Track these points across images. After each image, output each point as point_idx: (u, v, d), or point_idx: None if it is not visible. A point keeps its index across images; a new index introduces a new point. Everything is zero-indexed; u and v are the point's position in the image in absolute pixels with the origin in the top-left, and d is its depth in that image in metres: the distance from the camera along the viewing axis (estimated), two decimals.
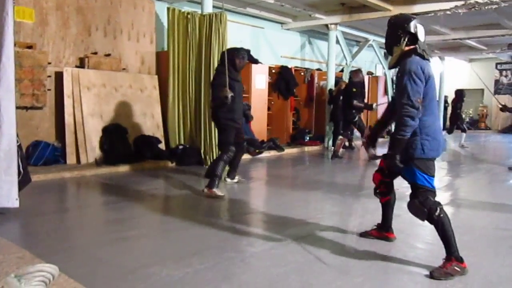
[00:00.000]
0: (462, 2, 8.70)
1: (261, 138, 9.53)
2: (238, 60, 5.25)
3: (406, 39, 3.01)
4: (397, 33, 3.04)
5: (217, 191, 5.07)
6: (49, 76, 6.77)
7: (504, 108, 8.54)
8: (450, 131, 11.75)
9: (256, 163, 8.23)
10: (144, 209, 4.78)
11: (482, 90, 18.68)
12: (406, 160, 2.99)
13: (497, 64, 19.43)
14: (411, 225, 4.16)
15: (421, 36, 3.03)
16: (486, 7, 8.81)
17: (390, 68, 3.29)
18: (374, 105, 9.28)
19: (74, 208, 4.87)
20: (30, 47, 6.48)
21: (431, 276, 2.87)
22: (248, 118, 8.34)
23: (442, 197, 5.38)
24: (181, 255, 3.19)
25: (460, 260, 2.89)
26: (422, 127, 2.94)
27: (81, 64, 7.25)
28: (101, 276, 2.80)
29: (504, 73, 19.35)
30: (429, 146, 2.95)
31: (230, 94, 4.91)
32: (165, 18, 7.96)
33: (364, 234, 3.70)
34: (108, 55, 7.53)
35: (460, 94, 11.64)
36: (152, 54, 8.22)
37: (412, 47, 3.01)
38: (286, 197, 5.39)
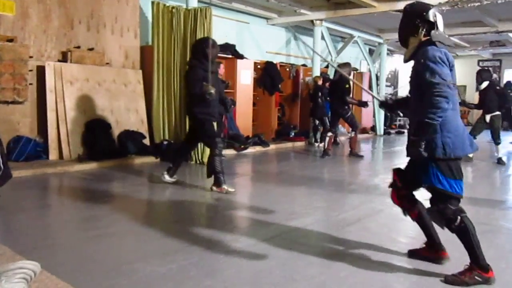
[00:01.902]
0: (446, 0, 8.79)
1: (246, 133, 9.52)
2: (209, 50, 4.95)
3: (424, 29, 2.76)
4: (414, 22, 2.77)
5: (227, 187, 5.09)
6: (31, 70, 6.65)
7: (462, 103, 8.59)
8: None
9: (241, 158, 8.23)
10: (128, 205, 4.74)
11: (465, 86, 18.96)
12: (424, 162, 2.72)
13: (479, 61, 19.72)
14: (393, 219, 4.22)
15: (441, 25, 2.77)
16: (469, 5, 8.92)
17: (405, 61, 2.92)
18: (368, 102, 9.21)
19: (56, 204, 4.81)
20: (10, 40, 6.35)
21: (445, 280, 2.73)
22: (227, 106, 8.05)
23: (424, 192, 5.45)
24: (165, 251, 3.18)
25: (485, 269, 2.69)
26: (442, 123, 2.62)
27: (64, 58, 7.13)
28: (84, 273, 2.78)
29: None
30: (451, 144, 2.65)
31: (213, 90, 4.79)
32: (150, 12, 7.87)
33: (412, 254, 3.18)
34: (92, 49, 7.43)
35: None
36: (136, 49, 8.13)
37: (427, 38, 2.75)
38: (271, 193, 5.40)
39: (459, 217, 2.69)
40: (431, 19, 2.75)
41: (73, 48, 7.19)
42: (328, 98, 10.24)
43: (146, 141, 7.66)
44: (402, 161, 8.19)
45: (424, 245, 3.14)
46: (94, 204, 4.64)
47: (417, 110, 2.70)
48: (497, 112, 8.01)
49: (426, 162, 2.72)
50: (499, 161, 8.06)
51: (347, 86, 8.33)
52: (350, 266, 2.98)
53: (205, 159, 7.07)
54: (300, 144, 10.70)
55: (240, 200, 5.24)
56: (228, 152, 8.44)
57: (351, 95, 9.24)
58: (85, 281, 2.66)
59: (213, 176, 5.16)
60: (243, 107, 9.65)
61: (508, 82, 11.53)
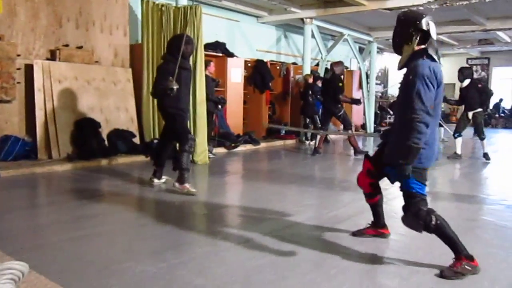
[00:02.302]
0: None
1: (236, 131, 9.52)
2: (184, 47, 4.85)
3: (418, 38, 2.82)
4: (408, 30, 2.83)
5: (189, 187, 4.93)
6: (19, 69, 6.58)
7: (443, 100, 8.80)
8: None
9: (231, 157, 8.22)
10: (117, 205, 4.71)
11: (454, 84, 19.10)
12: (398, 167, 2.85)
13: (468, 59, 19.90)
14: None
15: (433, 34, 2.83)
16: (458, 3, 9.00)
17: (399, 69, 3.01)
18: (360, 99, 9.20)
19: (45, 204, 4.77)
20: None
21: (441, 275, 2.80)
22: (220, 103, 8.01)
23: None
24: (155, 250, 3.17)
25: (470, 258, 2.81)
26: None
27: (52, 56, 7.06)
28: (74, 273, 2.76)
29: (474, 68, 19.82)
30: (425, 155, 2.81)
31: (175, 86, 4.66)
32: (139, 10, 7.82)
33: (357, 233, 3.54)
34: (80, 47, 7.37)
35: None
36: (125, 47, 8.08)
37: (423, 46, 2.82)
38: (261, 191, 5.41)
39: (433, 217, 2.82)
40: (424, 27, 2.79)
41: (62, 46, 7.12)
42: (318, 96, 10.29)
43: (136, 140, 7.62)
44: None
45: (368, 225, 3.55)
46: (84, 203, 4.61)
47: (402, 114, 2.82)
48: (479, 109, 8.15)
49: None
50: (485, 156, 8.16)
51: (340, 84, 8.29)
52: (341, 264, 3.00)
53: (196, 158, 7.08)
54: (291, 142, 10.73)
55: (231, 198, 5.24)
56: (219, 150, 8.44)
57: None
58: (75, 281, 2.64)
59: (177, 172, 5.02)
60: (233, 105, 9.65)
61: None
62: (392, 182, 3.08)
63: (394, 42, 2.98)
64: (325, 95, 8.61)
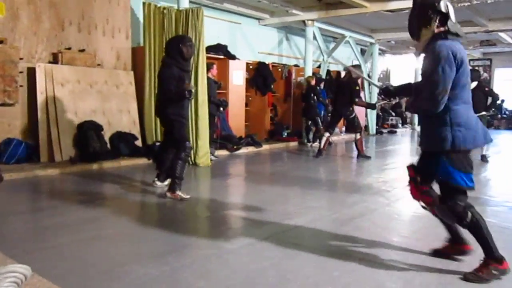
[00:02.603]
0: None
1: (239, 134, 9.52)
2: (185, 49, 4.74)
3: (437, 20, 2.71)
4: (427, 13, 2.72)
5: (181, 194, 4.80)
6: (21, 72, 6.60)
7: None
8: None
9: (234, 159, 8.22)
10: (120, 207, 4.72)
11: None
12: (435, 155, 2.75)
13: (470, 60, 19.85)
14: (386, 218, 4.24)
15: (453, 16, 2.73)
16: (459, 5, 8.98)
17: (418, 54, 2.91)
18: (377, 104, 9.04)
19: (48, 207, 4.77)
20: (1, 42, 6.30)
21: (465, 278, 2.74)
22: (221, 106, 7.99)
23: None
24: (158, 253, 3.17)
25: (499, 261, 2.73)
26: (453, 117, 2.68)
27: (55, 59, 7.08)
28: (76, 276, 2.76)
29: (476, 69, 19.77)
30: (461, 137, 2.67)
31: (194, 89, 4.64)
32: (141, 13, 7.84)
33: (437, 253, 3.16)
34: (83, 50, 7.39)
35: None
36: (127, 50, 8.10)
37: (442, 29, 2.71)
38: (264, 193, 5.40)
39: (469, 213, 2.71)
40: (443, 9, 2.71)
41: (64, 50, 7.14)
42: (321, 99, 10.29)
43: (138, 143, 7.63)
44: (395, 160, 8.25)
45: (446, 243, 3.14)
46: (86, 206, 4.61)
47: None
48: (484, 112, 8.13)
49: (438, 156, 2.74)
50: (483, 158, 8.22)
51: (356, 88, 8.16)
52: (344, 266, 2.99)
53: (198, 160, 7.09)
54: (293, 144, 10.72)
55: (234, 200, 5.23)
56: (221, 152, 8.43)
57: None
58: (77, 284, 2.64)
59: (170, 180, 4.93)
60: (235, 107, 9.65)
61: None
62: (438, 174, 2.81)
63: (411, 26, 2.86)
64: (338, 97, 8.42)
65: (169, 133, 5.07)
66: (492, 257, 2.72)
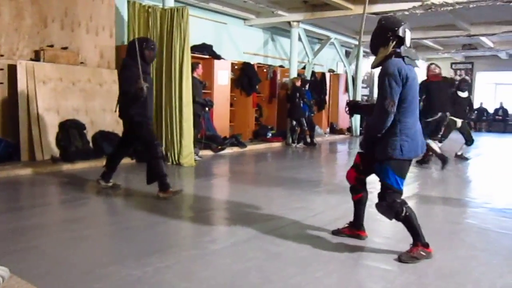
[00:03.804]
0: (420, 3, 8.97)
1: (223, 134, 9.50)
2: (147, 51, 4.75)
3: (394, 42, 3.06)
4: (386, 35, 3.07)
5: (173, 189, 4.84)
6: (2, 69, 6.48)
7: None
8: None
9: (218, 159, 8.20)
10: (102, 207, 4.67)
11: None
12: (383, 159, 3.11)
13: (452, 63, 20.18)
14: (368, 220, 4.25)
15: (408, 41, 3.10)
16: (442, 9, 9.11)
17: (372, 68, 3.27)
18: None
19: (28, 207, 4.69)
20: None
21: (399, 259, 3.09)
22: (207, 106, 7.96)
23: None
24: (140, 253, 3.14)
25: (426, 245, 3.14)
26: (402, 128, 3.03)
27: (37, 57, 6.97)
28: (57, 277, 2.72)
29: (458, 72, 20.10)
30: (407, 147, 3.03)
31: (145, 85, 4.54)
32: (125, 11, 7.78)
33: (336, 232, 3.67)
34: (65, 48, 7.28)
35: None
36: (111, 48, 8.01)
37: (397, 50, 3.06)
38: (248, 194, 5.40)
39: (404, 208, 3.11)
40: (401, 34, 3.05)
41: (46, 47, 7.03)
42: (305, 100, 10.35)
43: None
44: None
45: (347, 225, 3.65)
46: (68, 206, 4.55)
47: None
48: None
49: (384, 161, 3.11)
50: (460, 157, 8.67)
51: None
52: (326, 267, 3.00)
53: (182, 160, 7.05)
54: (277, 144, 10.74)
55: (217, 201, 5.21)
56: (205, 153, 8.41)
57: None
58: (58, 285, 2.60)
59: (157, 182, 4.83)
60: (220, 107, 9.63)
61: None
62: (380, 175, 3.21)
63: (372, 43, 3.19)
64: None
65: (132, 134, 4.97)
66: (421, 243, 3.13)
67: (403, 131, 3.03)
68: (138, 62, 4.59)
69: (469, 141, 8.58)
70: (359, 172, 3.45)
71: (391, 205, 3.12)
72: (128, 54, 4.82)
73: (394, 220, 3.18)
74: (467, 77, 11.13)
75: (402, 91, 2.97)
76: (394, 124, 3.02)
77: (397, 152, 3.02)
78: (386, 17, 3.25)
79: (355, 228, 3.60)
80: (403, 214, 3.09)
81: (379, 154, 3.11)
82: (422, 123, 3.47)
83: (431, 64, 7.62)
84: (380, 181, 3.19)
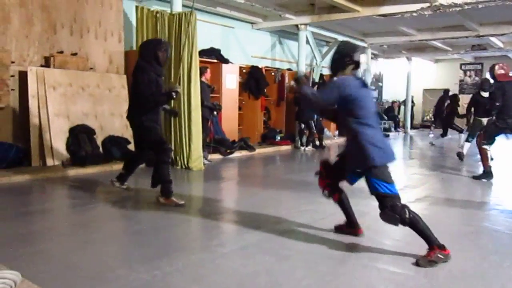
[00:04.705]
0: (428, 4, 8.92)
1: (232, 138, 9.51)
2: (161, 53, 4.67)
3: (350, 66, 3.36)
4: (344, 60, 3.37)
5: (175, 199, 4.71)
6: (13, 76, 6.56)
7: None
8: (443, 134, 11.86)
9: (227, 163, 8.21)
10: (111, 212, 4.69)
11: (448, 90, 19.23)
12: (362, 172, 3.28)
13: (461, 64, 20.02)
14: (378, 222, 4.22)
15: (363, 65, 3.43)
16: (451, 9, 9.05)
17: None
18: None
19: (38, 211, 4.73)
20: None
21: (417, 264, 3.07)
22: (215, 110, 8.00)
23: (409, 194, 5.50)
24: (149, 257, 3.15)
25: (442, 247, 3.11)
26: (366, 139, 3.21)
27: (47, 63, 7.04)
28: (66, 281, 2.73)
29: (468, 73, 19.95)
30: (378, 154, 3.19)
31: (179, 89, 4.51)
32: (134, 16, 7.83)
33: (337, 229, 3.86)
34: (75, 54, 7.35)
35: (455, 97, 11.78)
36: (120, 53, 8.07)
37: (355, 72, 3.37)
38: (257, 197, 5.40)
39: (407, 210, 3.14)
40: (356, 59, 3.35)
41: (56, 53, 7.11)
42: None
43: (131, 147, 7.58)
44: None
45: (344, 224, 3.84)
46: (77, 211, 4.58)
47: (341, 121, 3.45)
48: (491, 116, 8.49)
49: (366, 173, 3.24)
50: (459, 156, 8.79)
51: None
52: (335, 270, 2.99)
53: (191, 164, 7.07)
54: (286, 148, 10.72)
55: (226, 204, 5.22)
56: (214, 156, 8.42)
57: None
58: None
59: (160, 186, 4.77)
60: (228, 111, 9.64)
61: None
62: (351, 184, 3.50)
63: (332, 67, 3.48)
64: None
65: (143, 139, 4.90)
66: (435, 244, 3.10)
67: (369, 141, 3.20)
68: (153, 64, 4.59)
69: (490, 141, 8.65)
70: (326, 178, 3.68)
71: (393, 209, 3.15)
72: (141, 57, 4.75)
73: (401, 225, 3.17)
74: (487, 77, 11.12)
75: (354, 106, 3.23)
76: (356, 137, 3.23)
77: (370, 160, 3.16)
78: (344, 43, 3.69)
79: (351, 227, 3.76)
80: (407, 217, 3.12)
81: (356, 166, 3.30)
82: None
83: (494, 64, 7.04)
84: (373, 195, 3.27)
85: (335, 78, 3.38)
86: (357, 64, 3.36)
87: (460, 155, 8.88)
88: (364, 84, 3.36)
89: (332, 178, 3.65)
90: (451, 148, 11.18)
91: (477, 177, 6.74)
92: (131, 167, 5.25)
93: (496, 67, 6.87)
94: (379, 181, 3.18)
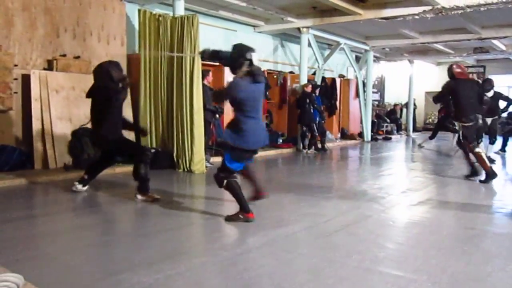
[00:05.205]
0: (430, 7, 8.92)
1: None
2: (116, 73, 5.05)
3: (245, 65, 4.03)
4: (239, 60, 4.04)
5: (152, 195, 5.00)
6: (16, 79, 6.58)
7: None
8: (432, 137, 11.88)
9: None
10: (113, 215, 4.70)
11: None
12: (227, 147, 4.13)
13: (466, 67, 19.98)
14: (381, 225, 4.24)
15: (256, 62, 4.09)
16: (453, 12, 9.06)
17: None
18: None
19: (41, 214, 4.74)
20: None
21: (226, 219, 4.17)
22: (217, 113, 8.04)
23: (411, 197, 5.49)
24: (152, 260, 3.15)
25: (247, 211, 4.12)
26: (241, 125, 4.02)
27: (49, 66, 7.07)
28: (69, 284, 2.74)
29: (470, 76, 19.90)
30: (242, 139, 4.01)
31: (127, 78, 5.04)
32: (136, 20, 7.86)
33: (252, 199, 4.59)
34: (78, 57, 7.38)
35: None
36: (123, 57, 8.09)
37: (248, 69, 4.03)
38: (259, 200, 5.38)
39: (225, 181, 4.13)
40: (248, 57, 4.03)
41: (59, 56, 7.13)
42: (315, 105, 10.33)
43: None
44: (390, 167, 8.25)
45: (254, 193, 4.61)
46: (80, 214, 4.59)
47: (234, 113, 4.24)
48: (496, 116, 8.94)
49: (226, 148, 4.14)
50: (488, 159, 8.51)
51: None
52: (338, 273, 2.98)
53: (193, 167, 7.08)
54: (288, 150, 10.72)
55: (228, 207, 5.20)
56: (216, 159, 8.41)
57: None
58: None
59: (138, 184, 5.04)
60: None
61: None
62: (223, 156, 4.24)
63: (231, 66, 4.16)
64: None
65: (114, 151, 5.29)
66: (244, 209, 4.14)
67: (241, 127, 4.02)
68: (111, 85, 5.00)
69: (493, 139, 8.96)
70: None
71: (219, 176, 4.15)
72: (98, 81, 5.17)
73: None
74: (489, 78, 11.16)
75: (240, 100, 4.00)
76: (237, 122, 4.05)
77: (234, 141, 4.02)
78: (237, 45, 4.28)
79: (257, 191, 4.63)
80: (224, 185, 4.12)
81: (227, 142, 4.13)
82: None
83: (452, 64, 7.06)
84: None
85: (232, 79, 4.09)
86: (250, 62, 4.02)
87: (491, 160, 8.68)
88: (255, 80, 4.04)
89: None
90: (446, 149, 11.16)
91: (483, 181, 6.67)
92: (95, 172, 5.45)
93: (454, 66, 6.92)
94: (230, 158, 4.09)
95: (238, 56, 4.10)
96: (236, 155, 4.11)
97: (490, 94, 8.55)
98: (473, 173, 6.84)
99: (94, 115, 5.20)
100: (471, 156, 6.72)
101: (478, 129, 6.75)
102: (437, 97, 6.98)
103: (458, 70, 6.75)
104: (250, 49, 4.13)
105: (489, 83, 8.70)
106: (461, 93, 6.54)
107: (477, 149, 6.60)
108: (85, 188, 5.40)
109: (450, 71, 6.78)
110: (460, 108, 6.58)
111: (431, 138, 11.82)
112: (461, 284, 2.85)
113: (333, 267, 3.09)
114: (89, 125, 5.39)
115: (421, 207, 5.05)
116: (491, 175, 6.59)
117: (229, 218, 4.16)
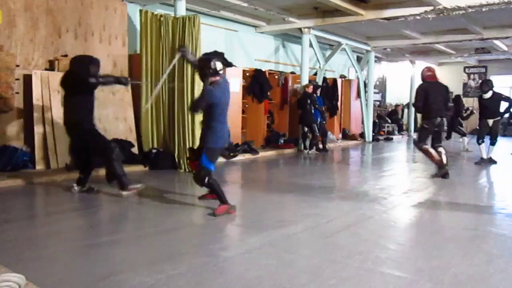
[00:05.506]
0: (431, 8, 8.91)
1: (235, 141, 9.51)
2: (93, 67, 5.16)
3: (211, 73, 4.40)
4: (205, 70, 4.41)
5: (134, 185, 5.07)
6: (17, 79, 6.59)
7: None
8: (448, 137, 11.85)
9: (230, 166, 8.21)
10: (114, 215, 4.70)
11: (452, 93, 19.19)
12: (203, 148, 4.47)
13: (465, 67, 19.98)
14: (383, 226, 4.23)
15: (220, 69, 4.45)
16: (454, 13, 9.05)
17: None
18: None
19: (43, 214, 4.75)
20: None
21: (211, 214, 4.41)
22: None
23: (412, 198, 5.49)
24: (153, 261, 3.15)
25: (226, 203, 4.46)
26: (212, 129, 4.44)
27: (51, 66, 7.08)
28: (71, 285, 2.74)
29: (472, 76, 19.91)
30: (214, 141, 4.43)
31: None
32: (138, 20, 7.86)
33: (201, 198, 4.93)
34: None
35: (458, 99, 11.77)
36: (124, 57, 8.10)
37: (217, 77, 4.45)
38: (260, 200, 5.39)
39: (206, 178, 4.41)
40: (213, 67, 4.39)
41: (61, 57, 7.14)
42: (317, 106, 10.32)
43: (135, 150, 7.61)
44: (392, 167, 8.24)
45: (208, 193, 4.85)
46: (82, 214, 4.59)
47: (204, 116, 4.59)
48: (498, 117, 8.83)
49: (203, 149, 4.48)
50: (490, 160, 8.84)
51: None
52: (339, 274, 2.98)
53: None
54: (289, 151, 10.72)
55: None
56: (218, 160, 8.41)
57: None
58: None
59: (117, 182, 5.10)
60: (232, 114, 9.59)
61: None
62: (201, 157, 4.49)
63: (200, 75, 4.53)
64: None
65: (87, 144, 5.26)
66: (224, 203, 4.45)
67: (212, 130, 4.43)
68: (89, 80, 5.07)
69: (494, 141, 8.90)
70: (195, 160, 4.68)
71: (199, 175, 4.44)
72: (78, 72, 5.13)
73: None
74: (488, 78, 11.20)
75: (212, 106, 4.38)
76: (209, 126, 4.44)
77: (209, 143, 4.42)
78: (203, 57, 4.59)
79: (210, 194, 4.79)
80: (206, 182, 4.41)
81: (202, 143, 4.55)
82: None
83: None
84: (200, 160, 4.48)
85: (205, 87, 4.42)
86: (215, 70, 4.39)
87: (491, 161, 8.89)
88: (222, 87, 4.45)
89: (196, 159, 4.63)
90: (456, 151, 11.15)
91: (434, 175, 6.96)
92: (89, 170, 5.47)
93: (425, 69, 7.15)
94: (206, 158, 4.39)
95: (203, 66, 4.46)
96: (213, 155, 4.49)
97: (488, 95, 8.62)
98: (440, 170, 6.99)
99: (68, 103, 5.23)
100: (434, 153, 6.94)
101: (437, 130, 6.97)
102: (416, 101, 7.08)
103: (429, 73, 7.02)
104: (215, 57, 4.46)
105: (486, 85, 8.73)
106: (430, 95, 6.78)
107: (424, 146, 6.99)
108: (85, 187, 5.39)
109: (422, 74, 7.08)
110: (428, 109, 6.81)
111: (447, 138, 11.69)
112: (462, 285, 2.84)
113: (335, 267, 3.09)
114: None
115: (423, 208, 5.05)
116: (443, 166, 6.89)
117: (212, 212, 4.44)
